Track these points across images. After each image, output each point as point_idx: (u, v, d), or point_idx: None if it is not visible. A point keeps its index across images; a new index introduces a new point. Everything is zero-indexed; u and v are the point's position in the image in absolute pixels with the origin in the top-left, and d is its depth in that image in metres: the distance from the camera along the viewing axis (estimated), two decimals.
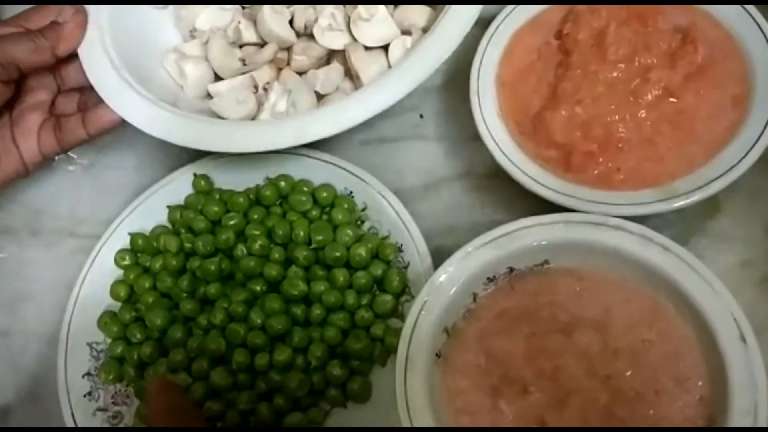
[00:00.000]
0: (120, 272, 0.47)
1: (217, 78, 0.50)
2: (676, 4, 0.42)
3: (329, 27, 0.47)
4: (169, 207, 0.48)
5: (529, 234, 0.37)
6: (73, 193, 0.53)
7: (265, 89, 0.48)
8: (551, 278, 0.37)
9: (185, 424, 0.32)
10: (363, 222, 0.45)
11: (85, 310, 0.46)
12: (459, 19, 0.42)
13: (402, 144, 0.49)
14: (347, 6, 0.48)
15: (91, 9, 0.46)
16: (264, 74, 0.49)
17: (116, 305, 0.46)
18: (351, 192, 0.46)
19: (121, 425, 0.43)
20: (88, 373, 0.44)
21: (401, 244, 0.43)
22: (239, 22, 0.49)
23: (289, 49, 0.49)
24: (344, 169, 0.46)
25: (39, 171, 0.54)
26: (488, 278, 0.38)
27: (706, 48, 0.40)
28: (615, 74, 0.40)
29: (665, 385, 0.34)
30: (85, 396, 0.44)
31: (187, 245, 0.45)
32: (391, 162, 0.48)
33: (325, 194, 0.45)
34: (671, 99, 0.40)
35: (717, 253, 0.41)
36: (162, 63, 0.50)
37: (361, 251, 0.42)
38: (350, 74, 0.48)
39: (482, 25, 0.45)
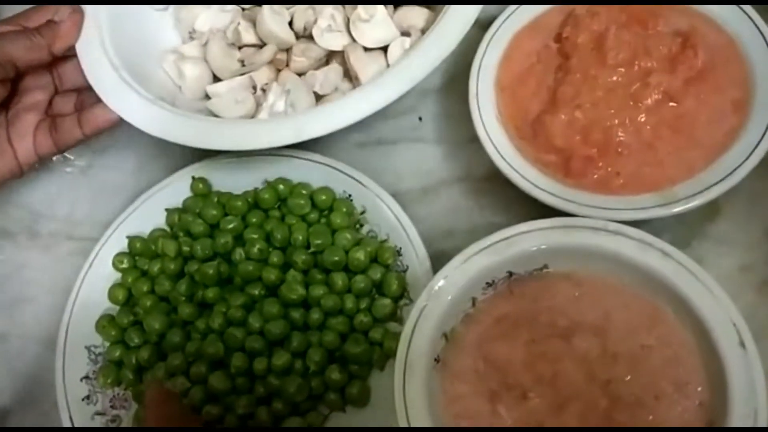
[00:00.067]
0: (118, 275, 0.47)
1: (216, 79, 0.50)
2: (677, 4, 0.42)
3: (328, 28, 0.47)
4: (167, 210, 0.47)
5: (528, 239, 0.37)
6: (71, 195, 0.53)
7: (264, 90, 0.48)
8: (550, 283, 0.37)
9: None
10: (362, 225, 0.45)
11: (83, 313, 0.46)
12: (458, 20, 0.41)
13: (400, 146, 0.49)
14: (347, 7, 0.48)
15: (91, 9, 0.46)
16: (263, 75, 0.49)
17: (114, 308, 0.46)
18: (350, 195, 0.45)
19: None
20: (87, 377, 0.44)
21: (400, 248, 0.43)
22: (239, 23, 0.49)
23: (288, 50, 0.49)
24: (343, 172, 0.46)
25: (36, 172, 0.54)
26: (487, 283, 0.37)
27: (706, 52, 0.40)
28: (615, 78, 0.40)
29: (665, 391, 0.34)
30: (83, 400, 0.44)
31: (186, 249, 0.44)
32: (390, 164, 0.48)
33: (323, 197, 0.45)
34: (671, 103, 0.40)
35: (717, 257, 0.41)
36: (161, 64, 0.50)
37: (360, 255, 0.42)
38: (349, 75, 0.48)
39: (481, 26, 0.44)
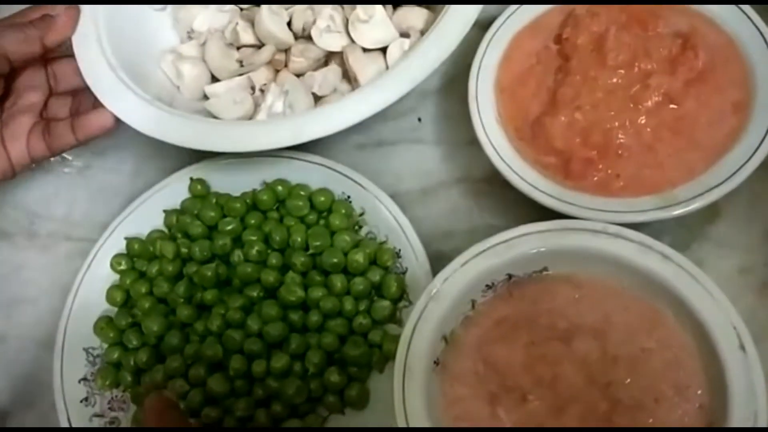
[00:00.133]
0: (116, 277, 0.47)
1: (214, 79, 0.50)
2: (677, 5, 0.41)
3: (327, 29, 0.47)
4: (165, 211, 0.47)
5: (528, 241, 0.36)
6: (69, 196, 0.53)
7: (262, 90, 0.48)
8: (550, 285, 0.37)
9: None
10: (361, 227, 0.45)
11: (81, 314, 0.46)
12: (458, 20, 0.41)
13: (400, 147, 0.49)
14: (345, 7, 0.48)
15: (89, 9, 0.46)
16: (261, 76, 0.48)
17: (113, 310, 0.46)
18: (348, 197, 0.45)
19: None
20: (85, 379, 0.44)
21: (399, 250, 0.43)
22: (237, 23, 0.49)
23: (287, 50, 0.49)
24: (341, 173, 0.45)
25: (34, 173, 0.54)
26: (487, 285, 0.37)
27: (706, 53, 0.40)
28: (615, 80, 0.40)
29: (665, 394, 0.34)
30: (81, 402, 0.44)
31: (184, 251, 0.44)
32: (389, 166, 0.48)
33: (322, 199, 0.45)
34: (671, 105, 0.40)
35: (717, 259, 0.41)
36: (159, 64, 0.50)
37: (359, 257, 0.42)
38: (348, 76, 0.48)
39: (481, 27, 0.44)
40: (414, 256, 0.42)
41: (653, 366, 0.34)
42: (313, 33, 0.47)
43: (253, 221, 0.45)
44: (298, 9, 0.48)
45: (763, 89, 0.38)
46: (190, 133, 0.42)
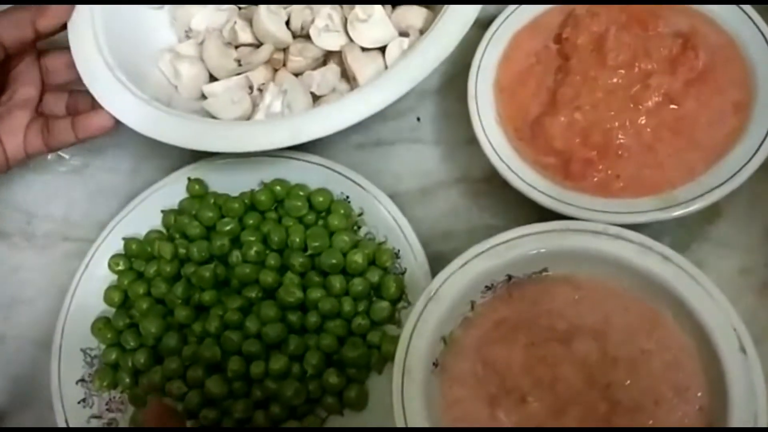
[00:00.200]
0: (114, 277, 0.46)
1: (212, 79, 0.50)
2: (677, 5, 0.41)
3: (326, 28, 0.47)
4: (163, 211, 0.47)
5: (528, 242, 0.36)
6: (66, 196, 0.53)
7: (261, 90, 0.48)
8: (550, 286, 0.37)
9: None
10: (359, 227, 0.45)
11: (78, 315, 0.45)
12: (457, 20, 0.41)
13: (399, 147, 0.49)
14: (344, 7, 0.47)
15: (86, 8, 0.46)
16: (259, 75, 0.48)
17: (110, 311, 0.46)
18: (347, 197, 0.45)
19: None
20: (82, 380, 0.44)
21: (398, 250, 0.43)
22: (235, 22, 0.49)
23: (285, 49, 0.49)
24: (340, 173, 0.45)
25: (31, 173, 0.54)
26: (486, 286, 0.37)
27: (707, 53, 0.39)
28: (615, 80, 0.40)
29: (664, 395, 0.34)
30: (79, 403, 0.43)
31: (182, 251, 0.44)
32: (388, 166, 0.48)
33: (321, 199, 0.45)
34: (672, 105, 0.39)
35: (717, 259, 0.41)
36: (157, 63, 0.50)
37: (358, 258, 0.42)
38: (347, 76, 0.47)
39: (481, 26, 0.44)
40: (413, 256, 0.42)
41: (653, 367, 0.34)
42: (312, 32, 0.47)
43: (251, 221, 0.45)
44: (297, 8, 0.48)
45: (763, 89, 0.38)
46: (187, 133, 0.42)
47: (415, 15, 0.46)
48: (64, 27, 0.46)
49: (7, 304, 0.50)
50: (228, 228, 0.44)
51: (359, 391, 0.40)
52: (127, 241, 0.46)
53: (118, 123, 0.44)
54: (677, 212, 0.37)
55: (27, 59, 0.47)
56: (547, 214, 0.38)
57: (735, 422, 0.32)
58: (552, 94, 0.41)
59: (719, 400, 0.32)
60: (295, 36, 0.48)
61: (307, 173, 0.46)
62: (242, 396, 0.41)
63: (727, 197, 0.37)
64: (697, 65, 0.39)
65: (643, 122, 0.39)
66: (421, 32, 0.45)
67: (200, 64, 0.49)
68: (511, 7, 0.44)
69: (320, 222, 0.45)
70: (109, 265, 0.46)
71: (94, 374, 0.44)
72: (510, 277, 0.37)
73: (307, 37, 0.47)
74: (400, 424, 0.34)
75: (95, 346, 0.45)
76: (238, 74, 0.48)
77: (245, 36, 0.49)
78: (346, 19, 0.47)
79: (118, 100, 0.44)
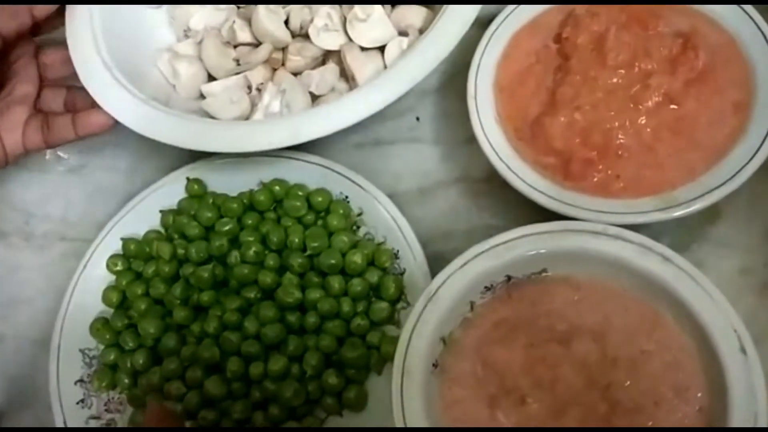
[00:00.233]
0: (112, 277, 0.46)
1: (211, 78, 0.50)
2: (677, 4, 0.41)
3: (325, 27, 0.47)
4: (161, 211, 0.47)
5: (527, 242, 0.36)
6: (65, 196, 0.53)
7: (259, 90, 0.48)
8: (549, 287, 0.37)
9: None
10: (359, 227, 0.45)
11: (77, 315, 0.45)
12: (457, 20, 0.41)
13: (398, 147, 0.49)
14: (343, 6, 0.47)
15: (84, 8, 0.46)
16: (258, 74, 0.48)
17: (109, 311, 0.45)
18: (346, 197, 0.45)
19: None
20: (81, 380, 0.44)
21: (397, 251, 0.43)
22: (234, 21, 0.49)
23: (284, 49, 0.48)
24: (339, 173, 0.45)
25: (29, 172, 0.54)
26: (486, 287, 0.37)
27: (707, 53, 0.39)
28: (615, 80, 0.40)
29: (664, 396, 0.34)
30: (77, 403, 0.43)
31: (181, 251, 0.44)
32: (387, 165, 0.48)
33: (320, 199, 0.44)
34: (672, 105, 0.39)
35: (717, 259, 0.41)
36: (155, 63, 0.50)
37: (357, 258, 0.42)
38: (346, 75, 0.47)
39: (480, 26, 0.44)
40: (412, 256, 0.42)
41: (653, 368, 0.34)
42: (311, 31, 0.47)
43: (250, 222, 0.45)
44: (296, 7, 0.48)
45: (763, 89, 0.38)
46: (186, 133, 0.42)
47: (414, 14, 0.46)
48: (62, 16, 0.46)
49: (6, 303, 0.50)
50: (227, 228, 0.44)
51: (358, 391, 0.40)
52: (126, 241, 0.46)
53: (117, 122, 0.44)
54: (677, 213, 0.37)
55: (25, 56, 0.47)
56: (547, 214, 0.38)
57: (735, 423, 0.32)
58: (552, 94, 0.41)
59: (719, 401, 0.32)
60: (294, 35, 0.48)
61: (306, 173, 0.46)
62: (241, 397, 0.40)
63: (727, 197, 0.37)
64: (697, 65, 0.39)
65: (643, 122, 0.39)
66: (421, 32, 0.45)
67: (199, 64, 0.49)
68: (511, 6, 0.44)
69: (319, 222, 0.45)
70: (108, 266, 0.46)
71: (92, 375, 0.44)
72: (509, 278, 0.37)
73: (306, 37, 0.47)
74: (399, 424, 0.34)
75: (94, 347, 0.45)
76: (237, 74, 0.48)
77: (244, 35, 0.48)
78: (345, 19, 0.47)
79: (116, 99, 0.44)
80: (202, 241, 0.44)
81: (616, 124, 0.39)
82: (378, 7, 0.46)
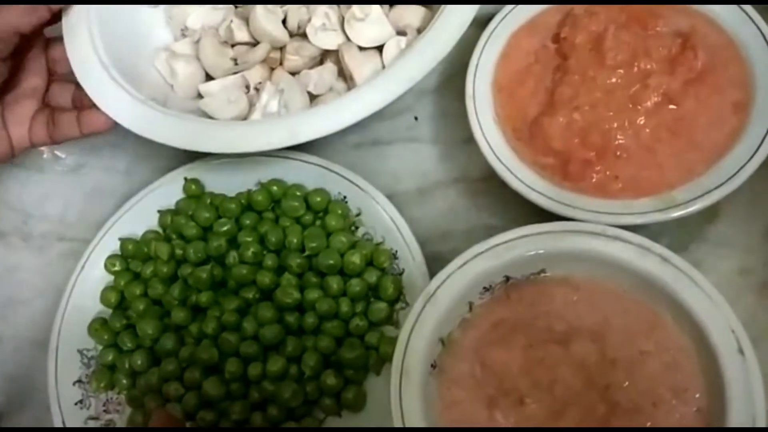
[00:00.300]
0: (110, 278, 0.46)
1: (209, 78, 0.49)
2: (677, 4, 0.41)
3: (323, 27, 0.47)
4: (159, 212, 0.47)
5: (526, 243, 0.36)
6: (63, 196, 0.53)
7: (257, 89, 0.47)
8: (548, 287, 0.37)
9: None
10: (357, 228, 0.45)
11: (75, 316, 0.45)
12: (455, 19, 0.41)
13: (396, 147, 0.49)
14: (341, 6, 0.47)
15: (81, 8, 0.45)
16: (256, 74, 0.48)
17: (107, 312, 0.45)
18: (345, 197, 0.45)
19: None
20: (79, 381, 0.44)
21: (396, 251, 0.43)
22: (231, 21, 0.48)
23: (281, 48, 0.48)
24: (337, 173, 0.45)
25: (27, 172, 0.54)
26: (484, 287, 0.37)
27: (706, 53, 0.39)
28: (613, 80, 0.40)
29: (663, 397, 0.34)
30: (76, 404, 0.43)
31: (179, 252, 0.44)
32: (385, 165, 0.48)
33: (318, 199, 0.44)
34: (671, 106, 0.39)
35: (716, 259, 0.41)
36: (152, 62, 0.49)
37: (356, 258, 0.42)
38: (344, 75, 0.47)
39: (479, 25, 0.44)
40: (411, 257, 0.42)
41: (651, 369, 0.34)
42: (309, 31, 0.47)
43: (248, 222, 0.44)
44: (293, 7, 0.47)
45: (763, 89, 0.38)
46: (183, 134, 0.42)
47: (412, 14, 0.46)
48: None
49: (4, 304, 0.50)
50: (225, 228, 0.44)
51: (357, 392, 0.40)
52: (124, 241, 0.46)
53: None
54: (676, 213, 0.36)
55: (35, 49, 0.47)
56: (546, 215, 0.38)
57: (733, 423, 0.32)
58: (550, 94, 0.41)
59: (717, 402, 0.32)
60: (291, 35, 0.48)
61: (304, 173, 0.46)
62: (240, 397, 0.40)
63: (727, 197, 0.37)
64: (697, 65, 0.39)
65: (642, 122, 0.39)
66: (419, 31, 0.45)
67: (196, 63, 0.49)
68: (509, 6, 0.44)
69: (317, 222, 0.45)
70: (106, 266, 0.46)
71: (91, 375, 0.44)
72: (508, 278, 0.37)
73: (304, 36, 0.47)
74: (398, 425, 0.34)
75: (92, 347, 0.45)
76: (235, 73, 0.48)
77: (241, 35, 0.48)
78: (343, 18, 0.46)
79: (113, 99, 0.43)
80: (200, 241, 0.44)
81: (615, 124, 0.39)
82: (376, 7, 0.46)
